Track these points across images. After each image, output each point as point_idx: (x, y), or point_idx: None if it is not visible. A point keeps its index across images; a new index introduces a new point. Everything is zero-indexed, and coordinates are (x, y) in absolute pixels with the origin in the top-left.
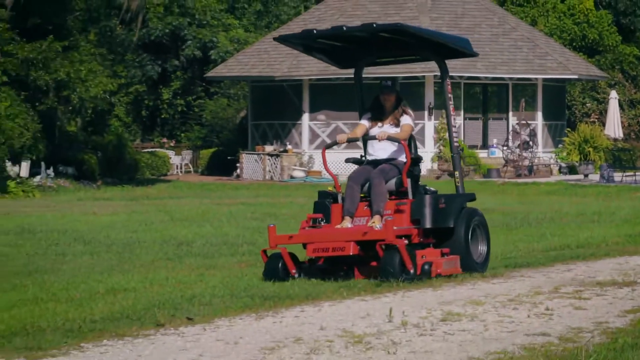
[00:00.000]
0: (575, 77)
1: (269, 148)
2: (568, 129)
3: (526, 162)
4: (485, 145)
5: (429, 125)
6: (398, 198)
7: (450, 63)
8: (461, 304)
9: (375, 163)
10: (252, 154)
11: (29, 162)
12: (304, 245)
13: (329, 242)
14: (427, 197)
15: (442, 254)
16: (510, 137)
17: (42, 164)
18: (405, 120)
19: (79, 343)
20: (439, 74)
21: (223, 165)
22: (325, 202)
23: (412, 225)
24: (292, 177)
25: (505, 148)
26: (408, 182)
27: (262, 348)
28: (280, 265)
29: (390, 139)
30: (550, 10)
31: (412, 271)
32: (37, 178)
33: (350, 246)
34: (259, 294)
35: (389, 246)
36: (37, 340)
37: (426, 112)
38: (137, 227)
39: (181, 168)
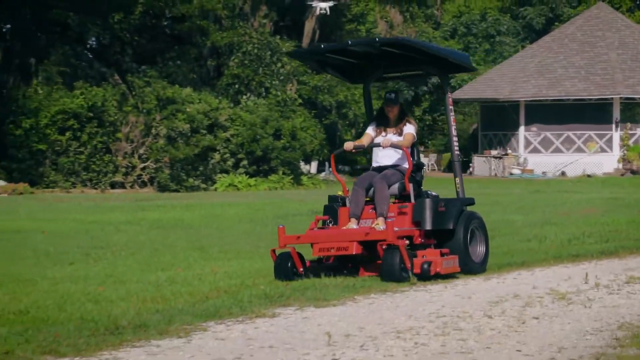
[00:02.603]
0: None
1: (494, 152)
2: None
3: None
4: None
5: (616, 135)
6: (401, 201)
7: (635, 88)
8: None
9: (380, 169)
10: (481, 156)
11: (317, 162)
12: (312, 245)
13: (334, 242)
14: (428, 201)
15: (442, 254)
16: None
17: (326, 163)
18: (408, 129)
19: (353, 296)
20: (625, 95)
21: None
22: (334, 206)
23: (414, 227)
24: (511, 173)
25: None
26: (410, 187)
27: (489, 302)
28: (289, 264)
29: (393, 146)
30: None
31: (410, 270)
32: (322, 174)
33: (353, 246)
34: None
35: (390, 246)
36: (322, 293)
37: (614, 125)
38: None
39: (429, 167)
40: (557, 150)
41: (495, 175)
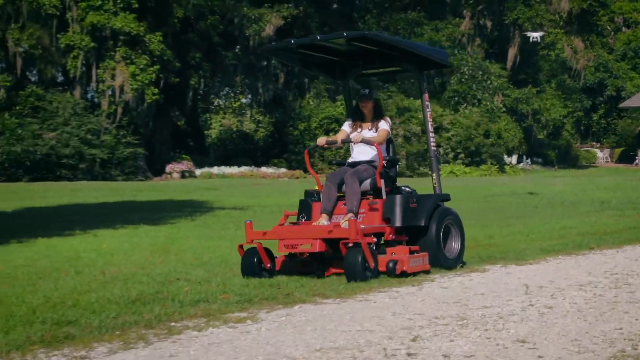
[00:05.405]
0: None
1: None
2: None
3: None
4: None
5: None
6: (375, 197)
7: None
8: None
9: (354, 165)
10: None
11: (517, 155)
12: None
13: (298, 239)
14: (398, 197)
15: (411, 252)
16: None
17: (524, 156)
18: (382, 125)
19: (545, 257)
20: None
21: (628, 157)
22: (309, 201)
23: (384, 224)
24: None
25: None
26: (382, 182)
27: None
28: (255, 259)
29: (365, 141)
30: None
31: (373, 268)
32: (521, 164)
33: (317, 244)
34: None
35: (354, 244)
36: (521, 254)
37: None
38: (577, 192)
39: (603, 159)
40: None
41: None
